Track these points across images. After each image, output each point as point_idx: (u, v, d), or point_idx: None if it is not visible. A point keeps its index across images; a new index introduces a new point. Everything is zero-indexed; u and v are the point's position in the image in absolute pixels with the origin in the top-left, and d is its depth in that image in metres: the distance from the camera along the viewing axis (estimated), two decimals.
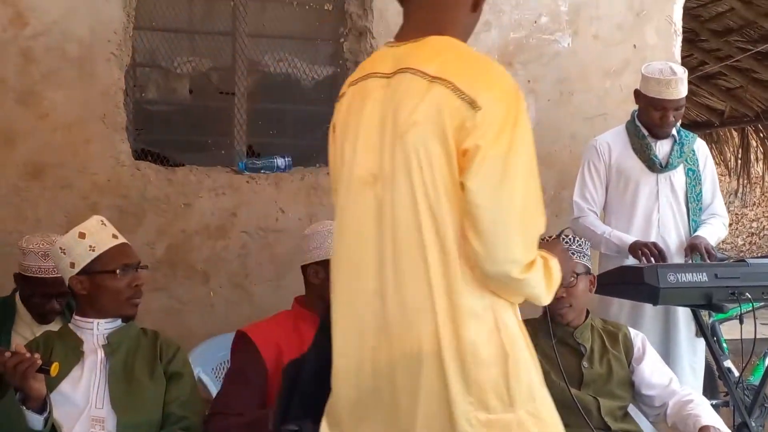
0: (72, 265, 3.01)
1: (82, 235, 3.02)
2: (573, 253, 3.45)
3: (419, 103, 2.01)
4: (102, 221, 3.11)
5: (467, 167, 1.96)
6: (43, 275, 3.66)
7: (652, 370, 3.54)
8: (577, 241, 3.54)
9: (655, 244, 4.33)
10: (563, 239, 3.47)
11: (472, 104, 1.96)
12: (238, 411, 2.96)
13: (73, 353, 3.00)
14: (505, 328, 2.05)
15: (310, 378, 2.27)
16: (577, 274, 3.47)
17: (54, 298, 3.71)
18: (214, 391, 3.83)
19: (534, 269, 2.04)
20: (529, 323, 3.45)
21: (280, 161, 5.07)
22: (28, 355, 2.67)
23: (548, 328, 3.43)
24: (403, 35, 2.19)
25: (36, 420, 2.73)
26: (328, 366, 2.17)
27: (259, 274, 5.01)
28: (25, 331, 3.71)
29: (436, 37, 2.12)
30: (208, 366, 3.98)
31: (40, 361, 2.68)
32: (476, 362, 1.99)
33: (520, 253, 1.99)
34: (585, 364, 3.44)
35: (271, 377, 3.04)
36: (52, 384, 2.86)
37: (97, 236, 3.04)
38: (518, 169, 1.97)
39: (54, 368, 2.72)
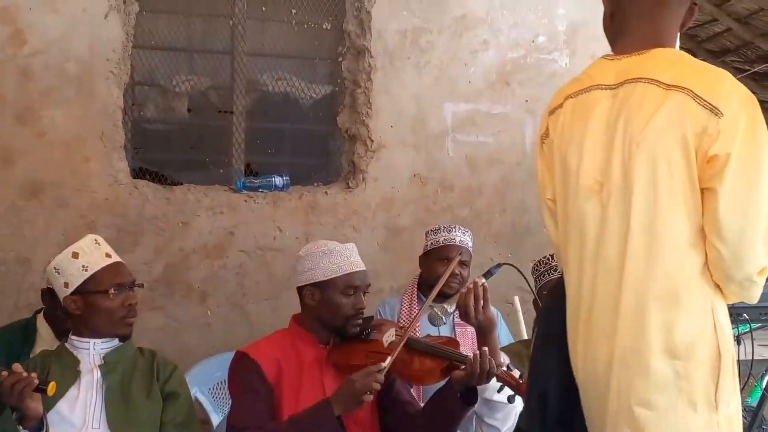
0: (66, 285, 2.99)
1: (75, 255, 3.00)
2: None
3: (656, 111, 2.07)
4: (96, 240, 3.08)
5: (715, 174, 2.01)
6: None
7: None
8: None
9: None
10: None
11: (714, 111, 2.01)
12: (256, 424, 2.95)
13: (70, 373, 2.98)
14: (720, 328, 2.10)
15: (558, 395, 2.31)
16: None
17: None
18: (210, 410, 3.83)
19: (766, 272, 2.11)
20: (524, 344, 3.47)
21: (278, 180, 5.08)
22: (24, 374, 2.66)
23: None
24: (623, 49, 2.29)
25: None
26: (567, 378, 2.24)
27: (256, 293, 5.01)
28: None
29: (662, 49, 2.21)
30: (204, 386, 3.97)
31: (36, 381, 2.67)
32: (693, 361, 2.05)
33: (762, 257, 2.07)
34: None
35: (274, 392, 3.03)
36: (49, 403, 2.84)
37: (90, 256, 3.01)
38: (763, 176, 2.03)
39: (51, 388, 2.71)
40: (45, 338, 3.76)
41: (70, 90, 4.64)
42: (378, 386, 2.82)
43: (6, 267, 4.54)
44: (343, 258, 3.14)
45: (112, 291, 2.98)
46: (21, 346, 3.72)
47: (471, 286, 3.20)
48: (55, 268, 3.02)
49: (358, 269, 3.15)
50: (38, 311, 3.86)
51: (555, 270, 3.47)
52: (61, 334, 3.72)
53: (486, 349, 2.99)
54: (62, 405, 2.90)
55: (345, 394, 2.85)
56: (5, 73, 4.54)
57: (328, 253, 3.14)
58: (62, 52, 4.62)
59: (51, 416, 2.83)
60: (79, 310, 2.99)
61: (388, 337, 3.16)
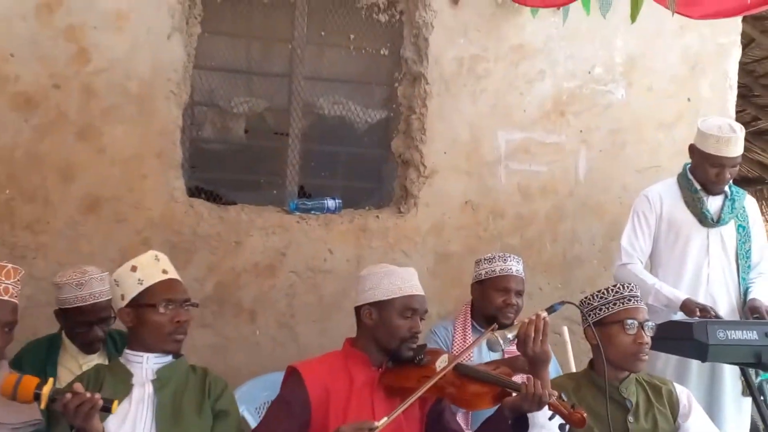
0: (122, 297, 3.04)
1: (134, 269, 3.05)
2: (633, 299, 3.41)
3: None
4: (156, 256, 3.13)
5: None
6: (80, 304, 3.73)
7: (698, 428, 3.47)
8: (629, 287, 3.48)
9: (712, 308, 4.28)
10: (621, 287, 3.44)
11: None
12: None
13: (123, 386, 3.01)
14: None
15: None
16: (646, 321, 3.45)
17: (95, 324, 3.76)
18: None
19: None
20: (571, 377, 3.45)
21: (330, 203, 5.11)
22: (88, 395, 2.68)
23: (594, 381, 3.41)
24: None
25: None
26: None
27: (305, 314, 5.04)
28: (71, 363, 3.76)
29: None
30: (252, 405, 3.99)
31: (101, 402, 2.69)
32: None
33: None
34: (630, 419, 3.39)
35: (314, 411, 3.05)
36: (101, 417, 2.87)
37: (147, 270, 3.06)
38: None
39: (115, 406, 2.73)
40: (70, 351, 3.84)
41: (131, 108, 4.73)
42: None
43: None
44: (403, 280, 3.17)
45: (162, 306, 3.01)
46: (45, 359, 3.79)
47: (534, 317, 3.20)
48: (115, 280, 3.08)
49: (417, 293, 3.19)
50: (62, 328, 3.93)
51: (594, 311, 3.43)
52: (85, 347, 3.80)
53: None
54: (113, 419, 2.91)
55: None
56: (69, 90, 4.63)
57: (390, 274, 3.18)
58: (125, 71, 4.70)
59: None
60: (131, 323, 3.04)
61: (441, 362, 3.16)
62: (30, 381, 2.68)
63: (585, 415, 2.90)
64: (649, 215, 4.65)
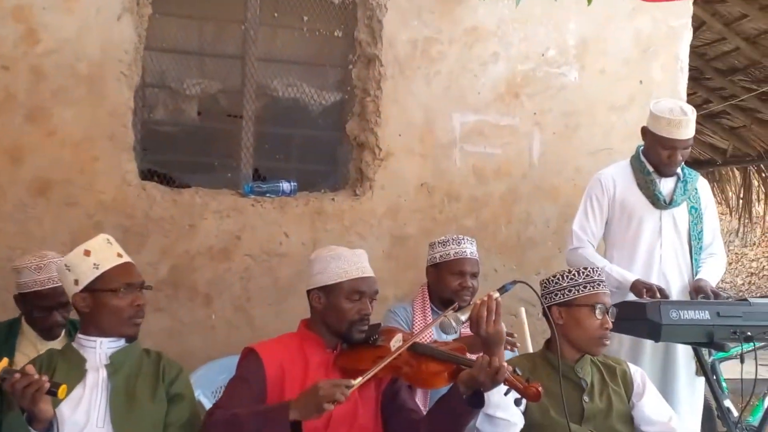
0: (76, 282, 3.00)
1: (87, 253, 3.01)
2: (602, 284, 3.43)
3: None
4: (108, 240, 3.10)
5: None
6: (38, 288, 3.70)
7: (652, 407, 3.52)
8: (597, 272, 3.48)
9: (659, 288, 4.32)
10: (591, 271, 3.46)
11: None
12: (233, 407, 2.98)
13: (76, 371, 2.98)
14: None
15: None
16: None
17: (54, 310, 3.73)
18: None
19: None
20: (527, 358, 3.48)
21: (285, 186, 5.09)
22: (36, 376, 2.66)
23: (549, 361, 3.44)
24: None
25: None
26: None
27: (261, 297, 5.02)
28: (29, 349, 3.73)
29: None
30: (208, 389, 3.97)
31: (48, 384, 2.66)
32: None
33: None
34: (586, 398, 3.42)
35: (270, 390, 3.06)
36: (55, 402, 2.84)
37: (101, 254, 3.03)
38: None
39: (62, 391, 2.70)
40: (29, 337, 3.82)
41: (81, 90, 4.66)
42: (342, 398, 2.75)
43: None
44: (350, 263, 3.17)
45: (122, 290, 2.99)
46: (3, 344, 3.76)
47: (485, 299, 3.20)
48: (65, 265, 3.03)
49: (365, 275, 3.18)
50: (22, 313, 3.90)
51: (563, 291, 3.45)
52: (45, 333, 3.76)
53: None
54: (67, 404, 2.89)
55: (306, 399, 2.80)
56: (17, 71, 4.55)
57: (337, 257, 3.17)
58: (74, 52, 4.63)
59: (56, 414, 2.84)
60: (88, 308, 3.00)
61: (396, 342, 3.17)
62: None
63: (540, 389, 2.91)
64: (602, 198, 4.68)
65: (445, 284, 4.10)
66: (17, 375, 2.64)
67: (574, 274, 3.43)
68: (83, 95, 4.66)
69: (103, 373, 2.99)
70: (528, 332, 4.56)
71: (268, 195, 5.04)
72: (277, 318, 5.00)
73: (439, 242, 4.22)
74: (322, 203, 5.14)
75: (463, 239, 4.20)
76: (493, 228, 5.45)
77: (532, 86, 5.50)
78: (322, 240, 5.04)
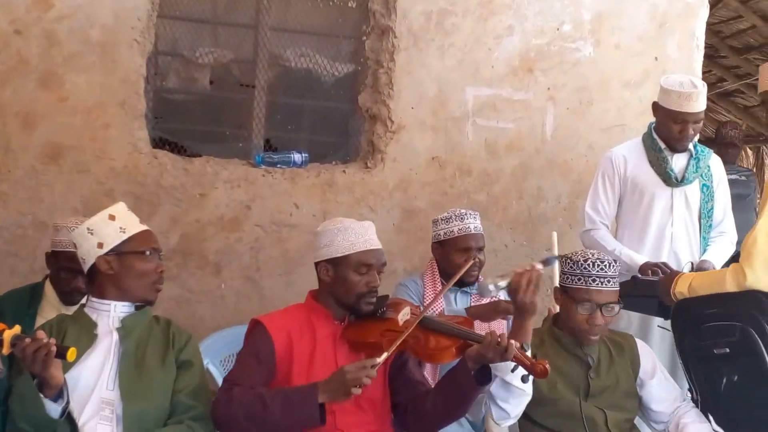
0: (100, 245, 3.02)
1: (112, 217, 3.06)
2: (599, 280, 3.39)
3: None
4: (127, 208, 3.16)
5: None
6: (73, 249, 3.68)
7: (660, 385, 3.53)
8: (612, 266, 3.44)
9: (666, 264, 4.30)
10: (592, 264, 3.42)
11: None
12: (249, 384, 3.00)
13: (87, 336, 3.00)
14: None
15: None
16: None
17: (80, 274, 3.72)
18: (221, 382, 3.83)
19: None
20: (534, 332, 3.49)
21: (296, 156, 5.08)
22: (45, 341, 2.66)
23: (556, 337, 3.45)
24: None
25: (53, 409, 2.72)
26: None
27: (270, 267, 5.02)
28: (51, 313, 3.70)
29: None
30: (216, 358, 3.98)
31: (54, 348, 2.67)
32: None
33: None
34: (592, 374, 3.43)
35: (279, 362, 3.07)
36: (66, 366, 2.85)
37: (126, 220, 3.09)
38: None
39: (71, 353, 2.69)
40: (51, 301, 3.81)
41: (94, 56, 4.64)
42: (369, 381, 2.80)
43: (23, 230, 4.56)
44: (358, 236, 3.15)
45: (149, 253, 3.06)
46: (27, 308, 3.77)
47: (528, 269, 3.19)
48: (88, 228, 3.05)
49: (372, 247, 3.16)
50: (46, 277, 3.91)
51: (573, 277, 3.43)
52: (65, 297, 3.77)
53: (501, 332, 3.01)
54: (78, 367, 2.90)
55: (334, 383, 2.85)
56: (30, 36, 4.53)
57: (344, 230, 3.16)
58: (87, 18, 4.61)
59: (66, 378, 2.85)
60: (113, 270, 3.03)
61: (404, 315, 3.16)
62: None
63: (547, 366, 2.92)
64: (613, 177, 4.64)
65: (452, 261, 4.10)
66: (27, 340, 2.63)
67: (575, 263, 3.41)
68: (95, 62, 4.65)
69: (115, 337, 3.01)
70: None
71: (279, 165, 5.04)
72: (287, 288, 5.01)
73: (442, 219, 4.21)
74: (333, 175, 5.13)
75: (465, 214, 4.19)
76: (504, 203, 5.43)
77: (547, 61, 5.46)
78: (333, 212, 5.03)
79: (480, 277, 4.18)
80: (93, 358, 2.97)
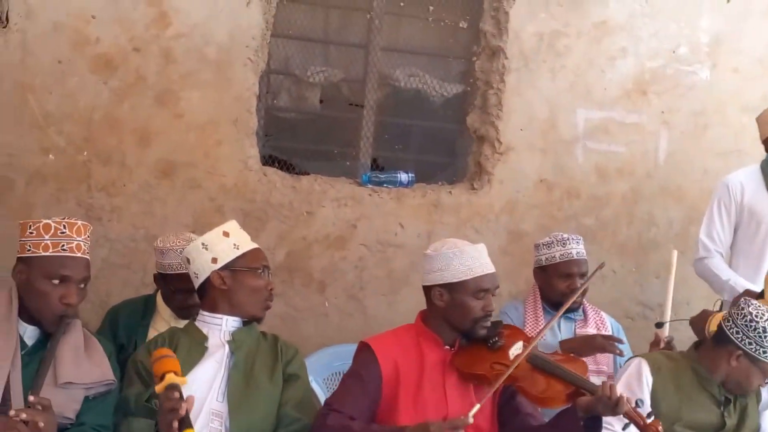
0: (214, 260, 3.09)
1: (226, 234, 3.14)
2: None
3: None
4: (239, 226, 3.24)
5: None
6: (182, 270, 3.72)
7: None
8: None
9: None
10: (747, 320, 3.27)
11: None
12: (351, 413, 2.97)
13: (197, 348, 3.05)
14: None
15: None
16: None
17: (194, 291, 3.75)
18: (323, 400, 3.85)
19: None
20: (669, 358, 3.40)
21: (403, 176, 5.07)
22: (182, 412, 2.56)
23: (694, 369, 3.40)
24: None
25: None
26: None
27: (374, 287, 5.02)
28: (163, 326, 3.74)
29: None
30: (319, 375, 3.99)
31: (183, 414, 2.57)
32: None
33: None
34: (726, 413, 3.35)
35: (385, 386, 3.04)
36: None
37: (239, 237, 3.17)
38: None
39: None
40: (163, 316, 3.85)
41: (208, 74, 4.72)
42: None
43: (135, 244, 4.66)
44: (474, 260, 3.10)
45: (261, 270, 3.13)
46: (141, 319, 3.83)
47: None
48: (203, 243, 3.13)
49: (488, 271, 3.12)
50: (158, 290, 3.95)
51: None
52: (181, 312, 3.80)
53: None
54: (189, 379, 2.89)
55: None
56: (148, 54, 4.63)
57: (459, 254, 3.10)
58: (203, 37, 4.69)
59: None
60: (226, 286, 3.08)
61: (515, 350, 3.10)
62: (173, 363, 2.66)
63: (660, 428, 2.83)
64: (729, 204, 4.51)
65: (554, 286, 4.05)
66: (176, 395, 2.58)
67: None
68: (210, 79, 4.72)
69: (227, 349, 3.05)
70: (673, 277, 4.33)
71: (385, 185, 5.04)
72: (390, 308, 5.00)
73: (543, 244, 4.15)
74: (439, 195, 5.11)
75: (568, 239, 4.12)
76: (613, 227, 5.33)
77: (661, 83, 5.35)
78: (438, 232, 5.01)
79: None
80: (204, 371, 3.01)
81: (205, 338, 3.07)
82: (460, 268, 3.07)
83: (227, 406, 2.97)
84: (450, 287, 3.08)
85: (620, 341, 3.89)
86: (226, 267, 3.09)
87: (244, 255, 3.12)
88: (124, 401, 2.95)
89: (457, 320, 3.10)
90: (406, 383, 3.03)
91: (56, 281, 2.89)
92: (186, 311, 3.76)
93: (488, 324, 3.10)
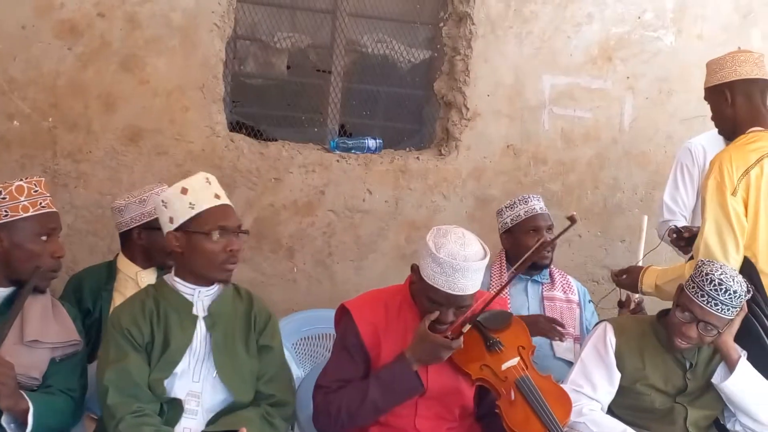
0: (171, 220, 2.89)
1: (184, 191, 2.88)
2: (727, 307, 3.21)
3: None
4: (207, 179, 2.97)
5: None
6: (148, 219, 3.66)
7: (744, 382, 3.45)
8: (738, 297, 3.21)
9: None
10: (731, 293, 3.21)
11: None
12: (345, 380, 3.02)
13: (188, 319, 2.94)
14: None
15: None
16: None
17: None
18: (293, 366, 3.85)
19: None
20: (638, 322, 3.45)
21: (371, 142, 5.08)
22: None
23: (657, 335, 3.42)
24: None
25: None
26: None
27: (342, 252, 5.05)
28: (127, 286, 3.72)
29: None
30: (288, 341, 4.00)
31: None
32: None
33: None
34: (689, 376, 3.39)
35: (369, 349, 3.03)
36: (176, 359, 2.88)
37: (199, 194, 2.89)
38: None
39: None
40: (127, 273, 3.79)
41: (174, 40, 4.68)
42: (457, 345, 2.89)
43: (102, 210, 4.63)
44: (449, 279, 2.88)
45: (216, 234, 2.87)
46: (104, 284, 3.77)
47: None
48: (163, 201, 2.93)
49: (456, 293, 2.89)
50: (117, 254, 3.90)
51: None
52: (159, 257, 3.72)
53: None
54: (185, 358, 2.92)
55: (425, 354, 2.92)
56: (113, 19, 4.58)
57: (441, 264, 2.87)
58: (169, 2, 4.64)
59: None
60: (181, 248, 2.90)
61: (510, 363, 3.08)
62: None
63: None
64: (692, 168, 4.56)
65: (524, 244, 4.05)
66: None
67: (708, 280, 3.24)
68: (176, 45, 4.68)
69: (203, 326, 2.96)
70: (643, 242, 4.40)
71: (353, 151, 5.04)
72: (358, 274, 5.03)
73: (506, 207, 4.22)
74: (407, 161, 5.12)
75: (529, 197, 4.19)
76: (579, 193, 5.38)
77: (626, 49, 5.38)
78: (405, 198, 5.04)
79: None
80: (191, 344, 2.95)
81: (189, 305, 2.95)
82: (434, 277, 2.89)
83: (208, 386, 2.92)
84: (424, 284, 2.94)
85: (562, 325, 3.88)
86: (180, 228, 2.88)
87: (198, 216, 2.86)
88: (124, 373, 2.82)
89: (420, 307, 3.04)
90: (387, 344, 3.01)
91: (44, 237, 2.92)
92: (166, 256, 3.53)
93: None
